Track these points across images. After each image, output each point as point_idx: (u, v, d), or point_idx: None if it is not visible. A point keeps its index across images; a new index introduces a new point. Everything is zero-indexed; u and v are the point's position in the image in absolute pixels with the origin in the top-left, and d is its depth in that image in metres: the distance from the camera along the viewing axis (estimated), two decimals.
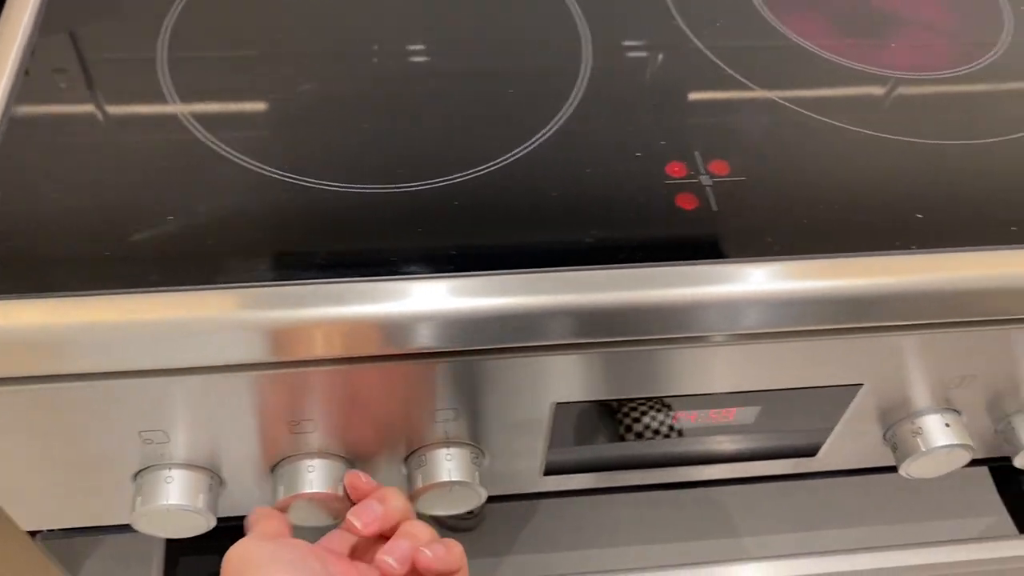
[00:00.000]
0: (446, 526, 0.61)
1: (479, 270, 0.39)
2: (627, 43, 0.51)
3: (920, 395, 0.47)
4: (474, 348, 0.39)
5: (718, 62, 0.50)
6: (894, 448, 0.49)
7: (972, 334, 0.43)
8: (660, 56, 0.51)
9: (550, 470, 0.49)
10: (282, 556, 0.38)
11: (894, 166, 0.45)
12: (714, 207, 0.43)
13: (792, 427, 0.48)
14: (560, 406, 0.44)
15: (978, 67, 0.52)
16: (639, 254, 0.40)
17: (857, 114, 0.48)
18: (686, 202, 0.43)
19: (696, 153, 0.45)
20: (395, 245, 0.40)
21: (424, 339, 0.38)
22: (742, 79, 0.49)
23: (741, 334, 0.41)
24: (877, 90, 0.50)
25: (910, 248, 0.41)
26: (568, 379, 0.42)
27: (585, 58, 0.50)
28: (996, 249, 0.42)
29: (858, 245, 0.41)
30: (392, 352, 0.39)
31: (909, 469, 0.48)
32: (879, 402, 0.47)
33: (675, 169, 0.44)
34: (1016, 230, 0.43)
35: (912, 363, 0.45)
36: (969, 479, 0.61)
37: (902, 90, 0.50)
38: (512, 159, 0.44)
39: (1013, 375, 0.47)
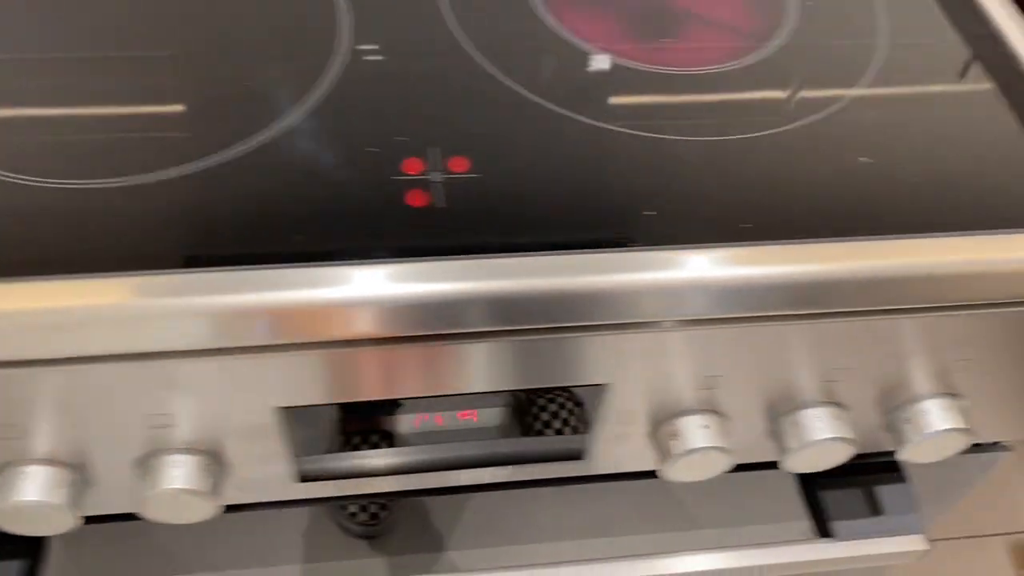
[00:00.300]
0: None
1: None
2: (387, 33, 0.50)
3: (678, 397, 0.46)
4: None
5: (478, 58, 0.49)
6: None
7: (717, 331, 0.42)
8: (420, 49, 0.49)
9: (305, 477, 0.47)
10: None
11: (639, 164, 0.44)
12: (440, 204, 0.41)
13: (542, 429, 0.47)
14: (285, 411, 0.42)
15: (748, 62, 0.51)
16: (361, 251, 0.39)
17: (615, 112, 0.47)
18: (415, 199, 0.42)
19: (435, 149, 0.44)
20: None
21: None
22: (501, 76, 0.48)
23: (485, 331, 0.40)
24: (642, 88, 0.49)
25: (636, 244, 0.40)
26: (290, 381, 0.41)
27: (341, 45, 0.48)
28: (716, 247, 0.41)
29: (582, 242, 0.40)
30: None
31: (670, 473, 0.47)
32: (633, 403, 0.46)
33: (412, 166, 0.43)
34: (751, 227, 0.42)
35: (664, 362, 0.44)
36: (777, 484, 0.60)
37: (667, 87, 0.49)
38: (242, 151, 0.43)
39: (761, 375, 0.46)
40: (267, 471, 0.46)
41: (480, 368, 0.42)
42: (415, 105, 0.46)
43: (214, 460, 0.44)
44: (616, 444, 0.49)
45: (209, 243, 0.39)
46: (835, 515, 0.55)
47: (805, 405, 0.48)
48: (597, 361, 0.43)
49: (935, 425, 0.48)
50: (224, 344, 0.38)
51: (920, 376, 0.47)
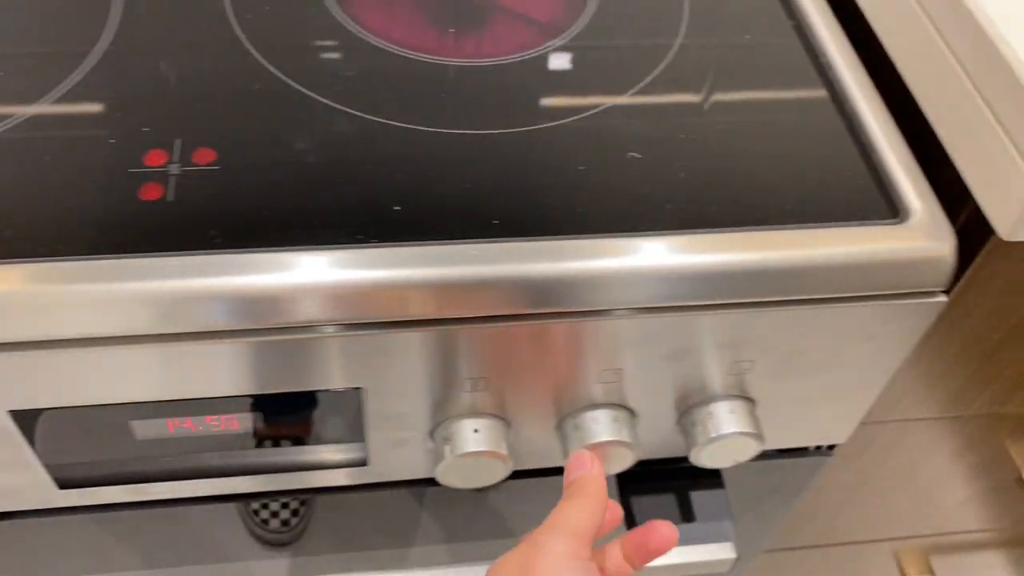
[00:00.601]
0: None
1: None
2: (157, 19, 0.48)
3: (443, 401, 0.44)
4: None
5: (251, 48, 0.47)
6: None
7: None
8: (192, 40, 0.47)
9: (63, 484, 0.45)
10: None
11: (398, 158, 0.43)
12: (171, 198, 0.40)
13: (302, 434, 0.45)
14: (20, 414, 0.40)
15: (536, 55, 0.49)
16: (89, 246, 0.37)
17: (388, 105, 0.45)
18: (149, 192, 0.40)
19: (179, 141, 0.42)
20: None
21: None
22: (274, 70, 0.46)
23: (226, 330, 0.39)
24: (422, 80, 0.47)
25: (375, 241, 0.39)
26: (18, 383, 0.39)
27: (108, 30, 0.47)
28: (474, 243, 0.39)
29: (315, 239, 0.39)
30: None
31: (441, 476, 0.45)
32: (387, 407, 0.44)
33: (154, 158, 0.41)
34: (498, 223, 0.40)
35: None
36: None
37: (445, 79, 0.47)
38: None
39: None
40: (20, 478, 0.44)
41: (229, 372, 0.40)
42: (173, 96, 0.44)
43: None
44: (395, 449, 0.47)
45: None
46: (644, 521, 0.53)
47: (591, 407, 0.46)
48: (348, 364, 0.41)
49: (722, 428, 0.46)
50: None
51: (709, 378, 0.46)
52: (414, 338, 0.40)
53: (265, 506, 0.57)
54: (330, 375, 0.41)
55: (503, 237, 0.40)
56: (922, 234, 0.41)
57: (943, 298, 0.43)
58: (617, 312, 0.41)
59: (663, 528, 0.40)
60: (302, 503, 0.58)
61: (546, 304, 0.40)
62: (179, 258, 0.37)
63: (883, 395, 0.56)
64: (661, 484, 0.55)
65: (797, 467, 0.56)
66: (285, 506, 0.58)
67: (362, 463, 0.48)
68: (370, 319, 0.39)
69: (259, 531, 0.59)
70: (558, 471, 0.42)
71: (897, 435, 0.63)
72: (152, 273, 0.37)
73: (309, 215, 0.40)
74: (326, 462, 0.47)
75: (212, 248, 0.38)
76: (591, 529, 0.37)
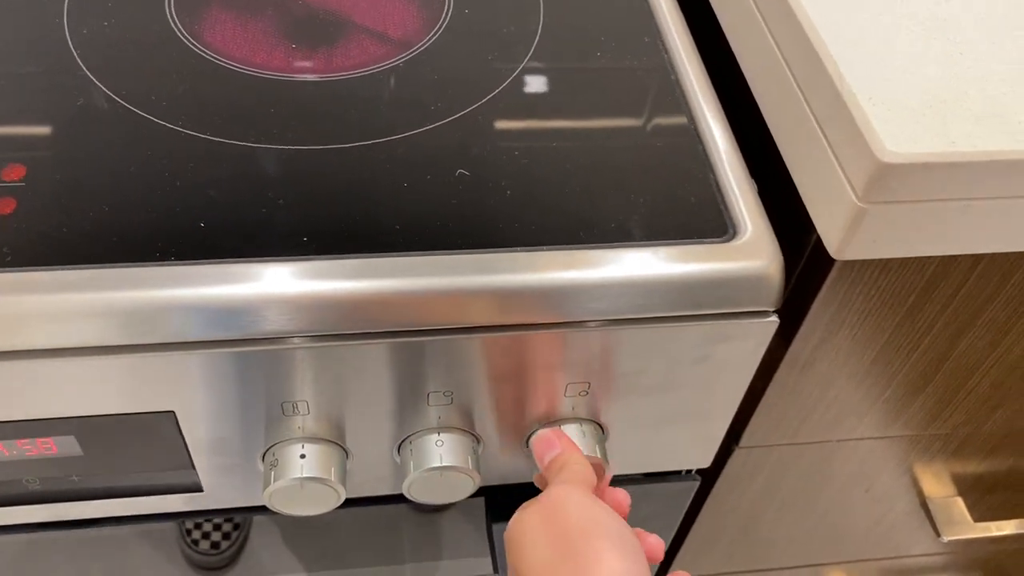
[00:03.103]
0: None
1: None
2: None
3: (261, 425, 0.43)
4: None
5: (80, 64, 0.46)
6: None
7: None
8: (21, 47, 0.46)
9: None
10: (611, 526, 0.36)
11: (219, 175, 0.42)
12: None
13: (129, 461, 0.44)
14: None
15: (383, 68, 0.48)
16: None
17: (215, 122, 0.44)
18: None
19: None
20: None
21: None
22: (105, 88, 0.45)
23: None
24: (259, 96, 0.46)
25: (175, 259, 0.37)
26: None
27: None
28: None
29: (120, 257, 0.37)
30: None
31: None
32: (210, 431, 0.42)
33: None
34: (307, 240, 0.39)
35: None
36: (469, 513, 0.57)
37: (285, 95, 0.46)
38: None
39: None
40: None
41: (32, 392, 0.39)
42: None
43: None
44: (225, 475, 0.45)
45: None
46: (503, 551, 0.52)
47: (429, 431, 0.45)
48: (158, 385, 0.40)
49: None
50: None
51: (550, 401, 0.45)
52: (230, 359, 0.39)
53: (198, 526, 0.55)
54: (141, 397, 0.40)
55: (311, 255, 0.38)
56: (750, 252, 0.40)
57: (774, 318, 0.41)
58: (443, 331, 0.40)
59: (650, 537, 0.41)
60: (235, 526, 0.57)
61: (371, 323, 0.39)
62: None
63: (760, 419, 0.55)
64: None
65: (665, 492, 0.55)
66: (217, 528, 0.57)
67: (197, 488, 0.46)
68: (181, 339, 0.38)
69: (189, 552, 0.57)
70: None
71: (785, 459, 0.61)
72: None
73: (111, 231, 0.38)
74: (158, 487, 0.46)
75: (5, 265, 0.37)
76: (594, 481, 0.41)
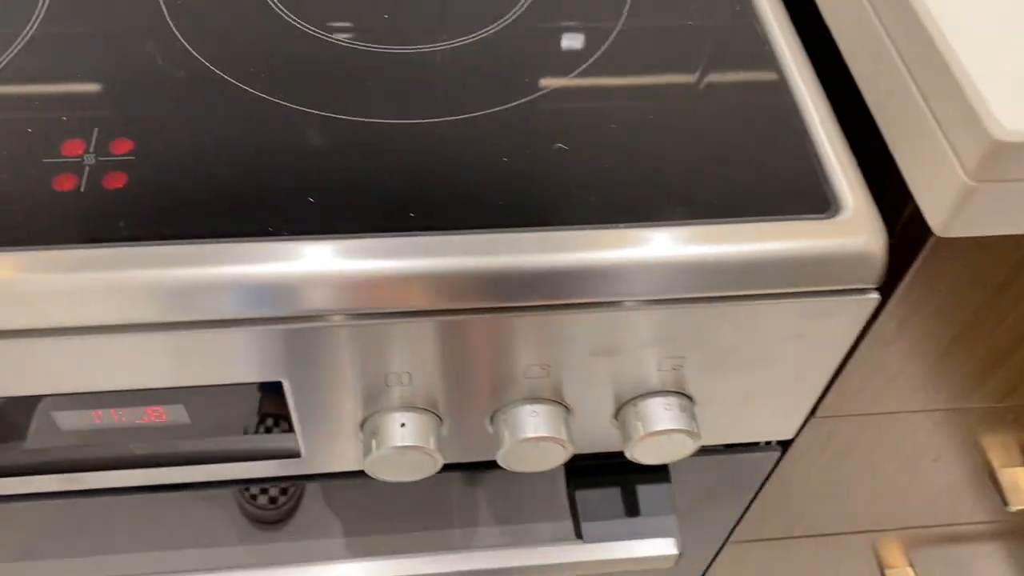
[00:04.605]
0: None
1: None
2: (84, 7, 0.47)
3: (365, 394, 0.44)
4: None
5: (177, 34, 0.46)
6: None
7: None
8: (116, 20, 0.47)
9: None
10: None
11: (323, 148, 0.42)
12: (82, 189, 0.39)
13: (230, 425, 0.45)
14: None
15: (476, 38, 0.48)
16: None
17: (322, 95, 0.44)
18: (63, 183, 0.40)
19: (96, 130, 0.41)
20: None
21: None
22: (202, 57, 0.46)
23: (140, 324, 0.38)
24: (354, 68, 0.46)
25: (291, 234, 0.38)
26: None
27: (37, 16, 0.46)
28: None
29: (227, 231, 0.38)
30: None
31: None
32: (318, 399, 0.44)
33: (72, 148, 0.41)
34: (414, 216, 0.39)
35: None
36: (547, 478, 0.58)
37: (377, 67, 0.46)
38: None
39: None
40: None
41: (146, 363, 0.40)
42: (95, 83, 0.44)
43: None
44: (328, 441, 0.47)
45: None
46: (589, 516, 0.53)
47: (523, 402, 0.46)
48: (268, 357, 0.41)
49: (655, 425, 0.46)
50: None
51: (641, 374, 0.45)
52: (339, 332, 0.40)
53: None
54: (253, 368, 0.41)
55: (420, 230, 0.39)
56: (852, 229, 0.40)
57: (875, 295, 0.41)
58: (541, 308, 0.40)
59: None
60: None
61: (471, 299, 0.39)
62: (86, 250, 0.37)
63: (839, 389, 0.55)
64: (607, 477, 0.54)
65: (744, 462, 0.55)
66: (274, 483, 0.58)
67: (296, 454, 0.47)
68: (294, 313, 0.39)
69: (248, 507, 0.59)
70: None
71: (857, 429, 0.62)
72: (61, 265, 0.37)
73: (224, 206, 0.39)
74: (257, 452, 0.47)
75: (122, 240, 0.37)
76: None
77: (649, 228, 0.40)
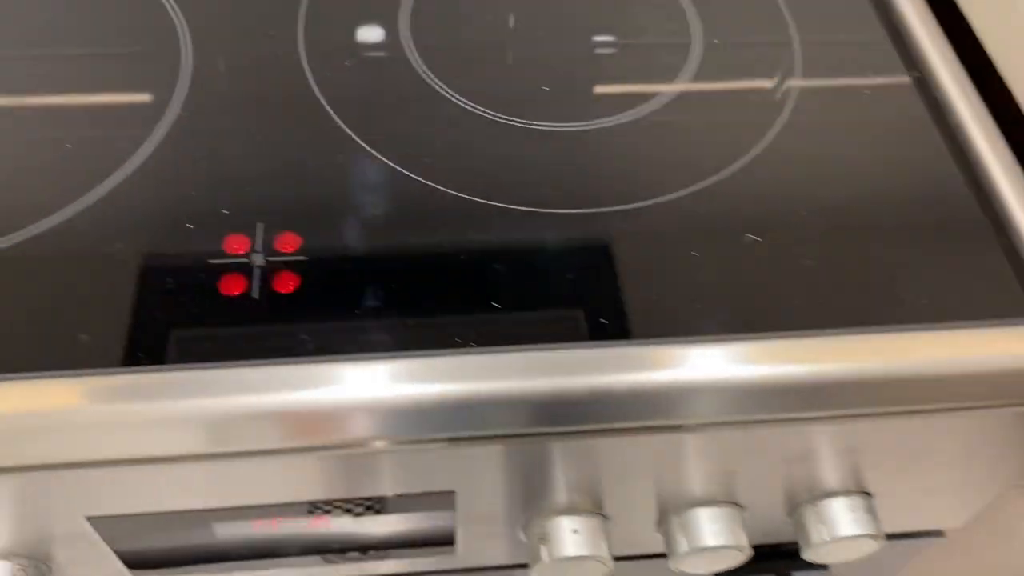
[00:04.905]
0: None
1: None
2: (229, 80, 0.45)
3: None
4: None
5: (329, 109, 0.44)
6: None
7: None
8: (263, 99, 0.44)
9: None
10: None
11: (514, 244, 0.39)
12: (255, 295, 0.37)
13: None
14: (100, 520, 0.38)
15: (642, 113, 0.45)
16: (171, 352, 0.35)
17: (481, 180, 0.42)
18: (230, 286, 0.37)
19: (264, 224, 0.39)
20: None
21: None
22: (352, 133, 0.43)
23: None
24: (528, 147, 0.43)
25: (474, 344, 0.36)
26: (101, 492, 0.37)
27: (178, 93, 0.44)
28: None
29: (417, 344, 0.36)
30: None
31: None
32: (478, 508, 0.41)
33: (234, 244, 0.38)
34: (606, 324, 0.37)
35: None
36: None
37: (548, 147, 0.44)
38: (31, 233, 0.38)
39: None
40: (97, 566, 0.42)
41: (307, 481, 0.38)
42: (251, 169, 0.41)
43: (34, 565, 0.40)
44: (483, 540, 0.44)
45: None
46: None
47: (697, 505, 0.43)
48: (441, 470, 0.38)
49: (840, 531, 0.43)
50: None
51: (823, 478, 0.42)
52: (509, 449, 0.37)
53: None
54: (427, 479, 0.39)
55: (612, 340, 0.36)
56: None
57: None
58: (724, 424, 0.37)
59: None
60: None
61: (655, 416, 0.36)
62: (268, 368, 0.34)
63: None
64: (763, 564, 0.51)
65: (904, 548, 0.52)
66: None
67: (450, 549, 0.45)
68: (466, 434, 0.36)
69: None
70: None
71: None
72: (229, 388, 0.34)
73: (407, 315, 0.36)
74: (414, 545, 0.45)
75: (303, 355, 0.35)
76: None
77: (851, 335, 0.37)
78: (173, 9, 0.48)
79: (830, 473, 0.42)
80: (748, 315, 0.37)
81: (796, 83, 0.47)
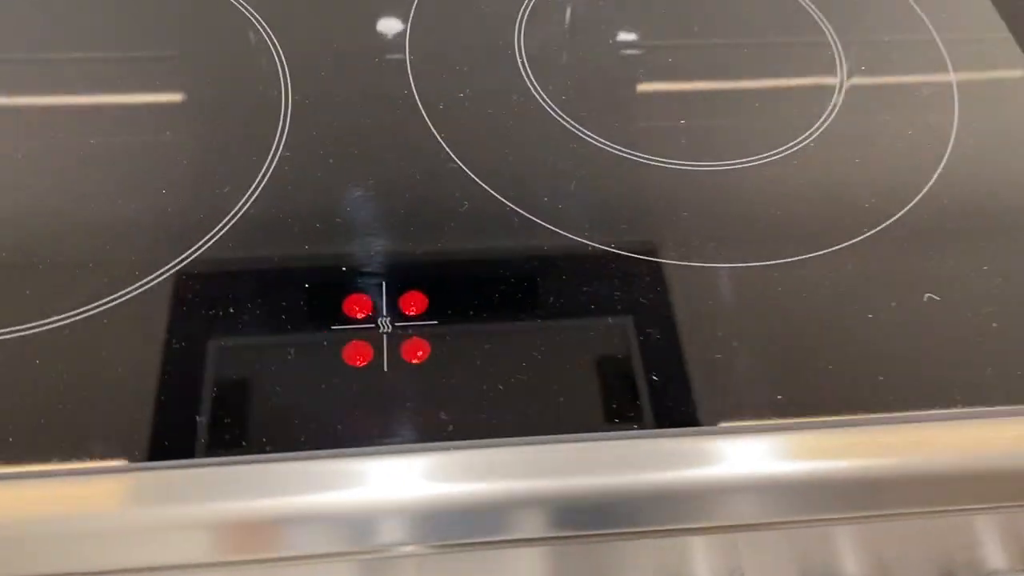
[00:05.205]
0: None
1: None
2: (330, 116, 0.41)
3: None
4: None
5: (453, 156, 0.40)
6: None
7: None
8: (381, 142, 0.40)
9: None
10: None
11: (656, 303, 0.35)
12: (386, 367, 0.33)
13: None
14: None
15: (789, 151, 0.41)
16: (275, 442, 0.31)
17: (634, 230, 0.37)
18: (355, 355, 0.33)
19: (383, 283, 0.35)
20: None
21: None
22: (488, 186, 0.39)
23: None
24: (673, 196, 0.39)
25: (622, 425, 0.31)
26: None
27: (279, 144, 0.40)
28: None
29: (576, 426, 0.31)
30: None
31: None
32: None
33: (355, 306, 0.34)
34: (782, 399, 0.32)
35: None
36: None
37: (686, 188, 0.39)
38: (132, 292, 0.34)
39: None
40: None
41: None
42: (362, 215, 0.37)
43: None
44: None
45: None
46: None
47: None
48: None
49: None
50: None
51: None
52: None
53: None
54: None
55: (779, 416, 0.32)
56: None
57: None
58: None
59: None
60: None
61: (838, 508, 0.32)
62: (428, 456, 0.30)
63: None
64: None
65: None
66: None
67: None
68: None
69: None
70: None
71: None
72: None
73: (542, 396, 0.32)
74: None
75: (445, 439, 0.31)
76: None
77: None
78: (269, 36, 0.44)
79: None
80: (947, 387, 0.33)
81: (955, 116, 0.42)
